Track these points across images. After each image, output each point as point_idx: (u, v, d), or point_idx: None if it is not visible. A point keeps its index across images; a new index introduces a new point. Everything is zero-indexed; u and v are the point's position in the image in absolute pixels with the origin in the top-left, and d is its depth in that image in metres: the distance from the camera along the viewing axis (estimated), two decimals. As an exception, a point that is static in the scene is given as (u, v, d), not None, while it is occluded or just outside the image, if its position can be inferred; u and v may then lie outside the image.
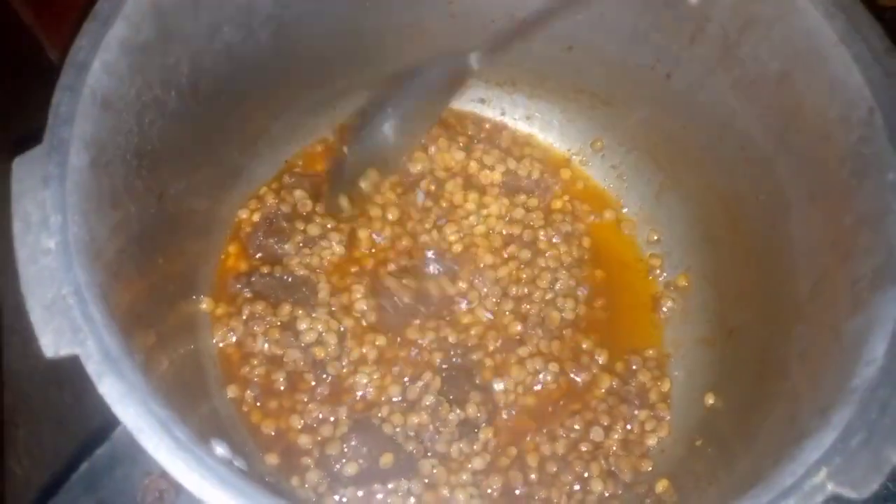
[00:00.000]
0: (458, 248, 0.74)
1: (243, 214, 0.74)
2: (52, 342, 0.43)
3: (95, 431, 0.73)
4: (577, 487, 0.66)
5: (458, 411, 0.67)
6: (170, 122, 0.58)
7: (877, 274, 0.50)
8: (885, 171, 0.50)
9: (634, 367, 0.71)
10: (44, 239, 0.45)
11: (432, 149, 0.78)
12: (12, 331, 0.76)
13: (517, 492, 0.66)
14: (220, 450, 0.47)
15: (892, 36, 0.52)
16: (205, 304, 0.69)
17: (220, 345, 0.68)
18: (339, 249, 0.73)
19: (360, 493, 0.64)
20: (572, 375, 0.71)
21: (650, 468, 0.67)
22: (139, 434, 0.42)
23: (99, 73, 0.50)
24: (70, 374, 0.43)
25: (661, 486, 0.63)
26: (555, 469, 0.67)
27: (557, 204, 0.79)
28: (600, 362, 0.72)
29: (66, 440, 0.73)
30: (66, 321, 0.44)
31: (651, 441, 0.68)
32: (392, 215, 0.75)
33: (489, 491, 0.66)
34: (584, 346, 0.72)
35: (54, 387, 0.75)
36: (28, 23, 0.82)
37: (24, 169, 0.47)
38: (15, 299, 0.71)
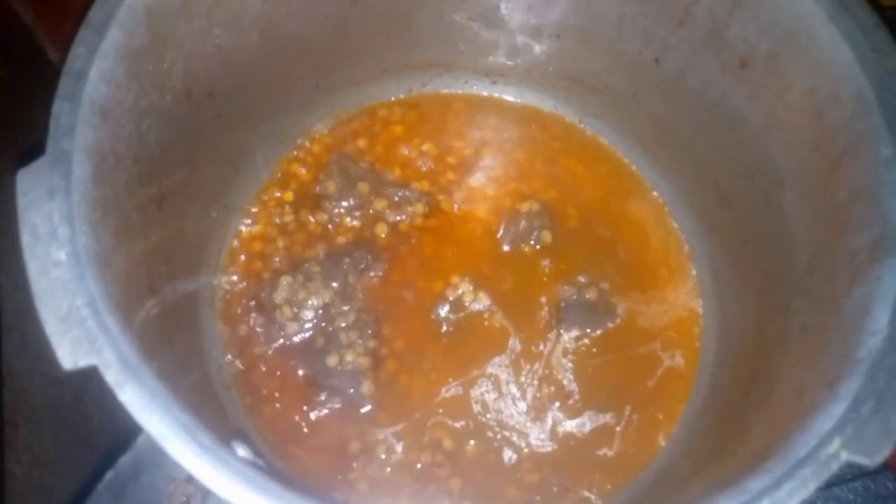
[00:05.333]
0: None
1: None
2: (69, 354, 0.43)
3: (96, 430, 0.73)
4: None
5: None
6: (166, 127, 0.58)
7: (874, 246, 0.51)
8: (879, 145, 0.51)
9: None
10: (54, 251, 0.45)
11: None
12: (12, 330, 0.75)
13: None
14: (243, 451, 0.47)
15: (894, 35, 0.53)
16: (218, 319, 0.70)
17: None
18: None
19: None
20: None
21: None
22: (164, 440, 0.42)
23: (97, 82, 0.50)
24: (71, 374, 0.42)
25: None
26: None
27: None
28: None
29: (66, 440, 0.73)
30: (83, 332, 0.44)
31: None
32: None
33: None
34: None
35: (54, 386, 0.75)
36: (29, 23, 0.81)
37: (29, 181, 0.47)
38: (15, 298, 0.71)
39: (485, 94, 0.83)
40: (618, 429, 0.69)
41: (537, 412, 0.69)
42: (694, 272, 0.75)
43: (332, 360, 0.68)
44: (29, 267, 0.45)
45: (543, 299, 0.73)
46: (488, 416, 0.68)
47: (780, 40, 0.59)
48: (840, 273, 0.53)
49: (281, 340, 0.69)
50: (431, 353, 0.70)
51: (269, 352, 0.69)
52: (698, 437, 0.66)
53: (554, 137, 0.82)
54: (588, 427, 0.69)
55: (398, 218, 0.75)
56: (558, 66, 0.78)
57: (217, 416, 0.61)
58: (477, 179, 0.79)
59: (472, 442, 0.67)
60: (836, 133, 0.55)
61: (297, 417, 0.67)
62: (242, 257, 0.73)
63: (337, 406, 0.68)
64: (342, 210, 0.75)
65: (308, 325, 0.70)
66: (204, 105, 0.63)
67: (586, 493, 0.67)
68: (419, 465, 0.66)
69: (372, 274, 0.73)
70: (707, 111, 0.68)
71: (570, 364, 0.71)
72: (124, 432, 0.47)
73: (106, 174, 0.51)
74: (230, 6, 0.61)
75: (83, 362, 0.43)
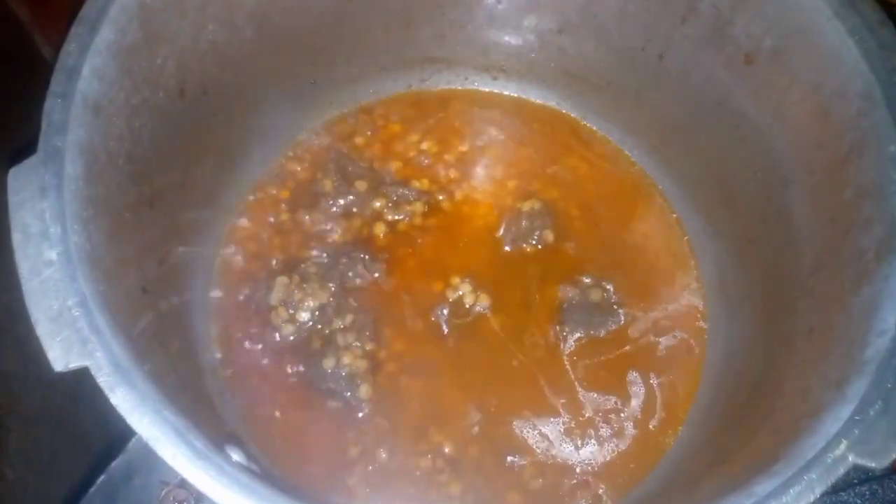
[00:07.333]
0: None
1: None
2: (60, 355, 0.43)
3: (89, 433, 0.72)
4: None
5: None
6: (159, 125, 0.58)
7: (882, 244, 0.50)
8: (886, 143, 0.51)
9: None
10: (45, 250, 0.45)
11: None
12: (4, 331, 0.74)
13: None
14: (236, 456, 0.46)
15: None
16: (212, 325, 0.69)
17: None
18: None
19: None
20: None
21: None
22: (156, 443, 0.41)
23: (89, 79, 0.49)
24: (64, 375, 0.42)
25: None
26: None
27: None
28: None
29: (59, 442, 0.72)
30: (74, 333, 0.43)
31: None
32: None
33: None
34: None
35: (47, 388, 0.74)
36: (23, 19, 0.80)
37: (21, 180, 0.46)
38: (6, 299, 0.70)
39: (485, 90, 0.82)
40: (623, 429, 0.68)
41: (539, 414, 0.68)
42: (699, 272, 0.74)
43: (328, 363, 0.67)
44: (20, 266, 0.44)
45: (545, 300, 0.72)
46: (489, 419, 0.67)
47: (784, 36, 0.58)
48: (847, 272, 0.53)
49: (276, 342, 0.68)
50: (431, 356, 0.69)
51: (265, 354, 0.68)
52: (705, 438, 0.65)
53: (556, 135, 0.81)
54: (591, 427, 0.68)
55: (397, 217, 0.74)
56: (560, 62, 0.77)
57: (210, 420, 0.60)
58: (477, 178, 0.78)
59: (472, 447, 0.66)
60: (841, 130, 0.55)
61: (292, 421, 0.66)
62: (237, 257, 0.72)
63: (334, 409, 0.67)
64: (339, 209, 0.74)
65: (304, 327, 0.69)
66: (198, 102, 0.62)
67: (590, 498, 0.66)
68: (418, 472, 0.65)
69: (370, 275, 0.72)
70: (711, 108, 0.67)
71: (572, 365, 0.70)
72: (118, 435, 0.47)
73: (98, 172, 0.50)
74: (224, 1, 0.61)
75: (74, 364, 0.42)
